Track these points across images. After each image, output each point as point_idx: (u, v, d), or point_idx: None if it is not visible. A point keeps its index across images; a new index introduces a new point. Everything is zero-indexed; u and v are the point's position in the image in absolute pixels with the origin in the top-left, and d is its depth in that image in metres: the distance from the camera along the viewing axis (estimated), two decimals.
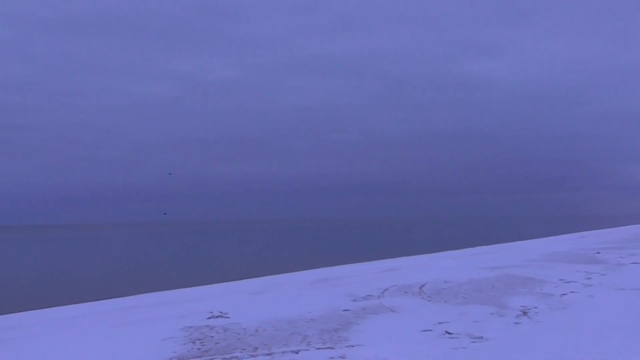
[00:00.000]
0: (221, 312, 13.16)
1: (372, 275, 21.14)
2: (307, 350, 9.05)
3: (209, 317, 12.60)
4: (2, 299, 22.59)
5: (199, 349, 9.43)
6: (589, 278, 17.20)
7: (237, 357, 8.74)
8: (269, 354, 8.82)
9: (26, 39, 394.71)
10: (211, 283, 24.10)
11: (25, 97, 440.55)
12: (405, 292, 15.25)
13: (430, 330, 10.27)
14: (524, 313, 11.71)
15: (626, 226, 79.04)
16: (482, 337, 9.54)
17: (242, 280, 24.34)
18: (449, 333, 9.96)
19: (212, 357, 8.79)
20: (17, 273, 35.68)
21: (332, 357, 8.54)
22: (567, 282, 16.24)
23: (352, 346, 9.19)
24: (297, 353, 8.86)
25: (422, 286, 16.26)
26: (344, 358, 8.49)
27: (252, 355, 8.76)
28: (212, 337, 10.34)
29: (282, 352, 8.94)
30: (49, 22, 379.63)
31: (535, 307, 12.29)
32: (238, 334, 10.50)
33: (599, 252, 27.38)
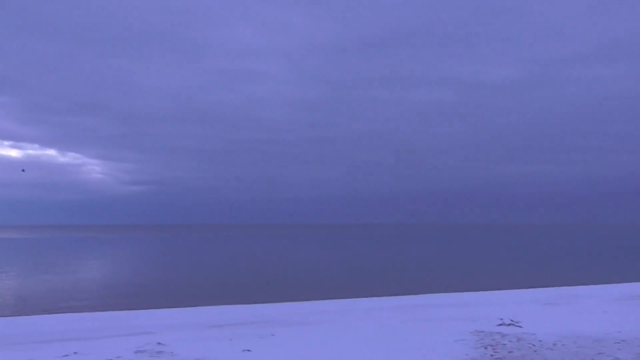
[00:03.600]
0: (512, 320, 12.57)
1: None
2: None
3: (500, 324, 12.16)
4: (309, 287, 26.25)
5: (491, 355, 9.15)
6: None
7: None
8: None
9: (324, 65, 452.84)
10: (500, 289, 23.33)
11: (324, 113, 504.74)
12: None
13: None
14: None
15: None
16: None
17: (533, 289, 22.85)
18: None
19: None
20: (325, 264, 40.81)
21: None
22: None
23: None
24: None
25: None
26: None
27: None
28: (504, 345, 9.93)
29: None
30: (341, 47, 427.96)
31: None
32: (533, 345, 9.83)
33: None
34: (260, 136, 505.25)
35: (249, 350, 9.93)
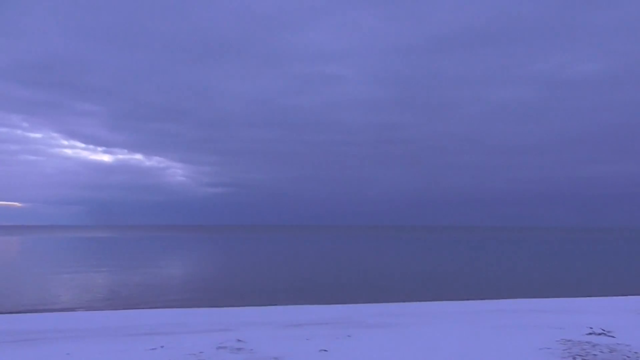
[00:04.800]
0: (603, 330, 11.81)
1: None
2: None
3: (589, 333, 11.46)
4: (384, 289, 26.05)
5: None
6: None
7: None
8: None
9: (399, 66, 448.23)
10: (589, 295, 22.01)
11: (400, 115, 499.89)
12: None
13: None
14: None
15: None
16: None
17: (625, 297, 21.36)
18: None
19: None
20: (400, 267, 40.38)
21: None
22: None
23: None
24: None
25: None
26: None
27: None
28: (595, 355, 9.34)
29: None
30: (415, 47, 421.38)
31: None
32: (628, 357, 9.18)
33: None
34: (337, 138, 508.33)
35: (325, 350, 10.00)
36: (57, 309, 19.70)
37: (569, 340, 10.61)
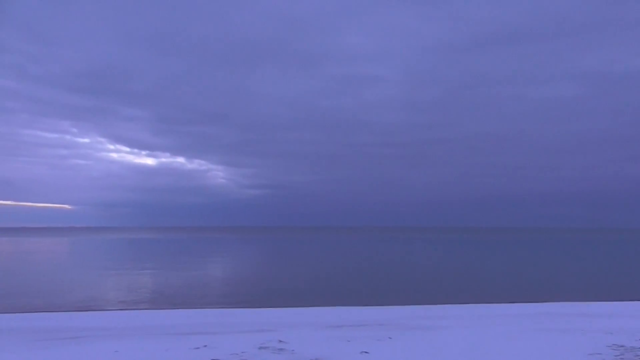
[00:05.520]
0: None
1: None
2: None
3: None
4: (425, 291, 25.74)
5: None
6: None
7: None
8: None
9: (438, 65, 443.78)
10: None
11: (439, 115, 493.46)
12: None
13: None
14: None
15: None
16: None
17: None
18: None
19: None
20: (441, 268, 39.81)
21: None
22: None
23: None
24: None
25: None
26: None
27: None
28: None
29: None
30: (455, 46, 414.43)
31: None
32: None
33: None
34: (375, 140, 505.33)
35: (366, 352, 9.94)
36: (104, 308, 20.35)
37: (621, 346, 10.19)
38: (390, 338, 11.56)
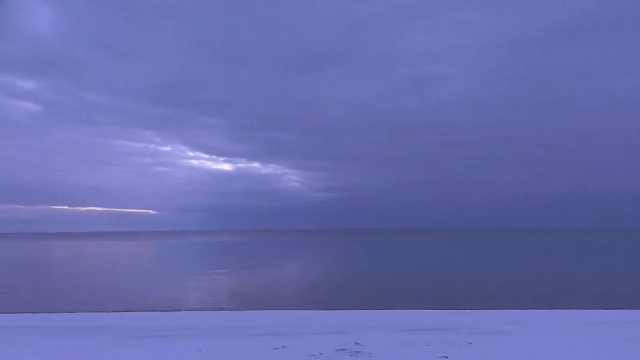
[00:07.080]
0: None
1: None
2: None
3: None
4: (502, 295, 24.79)
5: None
6: None
7: None
8: None
9: (505, 62, 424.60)
10: None
11: (511, 112, 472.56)
12: None
13: None
14: None
15: None
16: None
17: None
18: None
19: None
20: (518, 271, 38.20)
21: None
22: None
23: None
24: None
25: None
26: None
27: None
28: None
29: None
30: (522, 41, 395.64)
31: None
32: None
33: None
34: (444, 139, 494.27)
35: (446, 357, 9.74)
36: (188, 308, 21.27)
37: None
38: (470, 343, 11.26)
